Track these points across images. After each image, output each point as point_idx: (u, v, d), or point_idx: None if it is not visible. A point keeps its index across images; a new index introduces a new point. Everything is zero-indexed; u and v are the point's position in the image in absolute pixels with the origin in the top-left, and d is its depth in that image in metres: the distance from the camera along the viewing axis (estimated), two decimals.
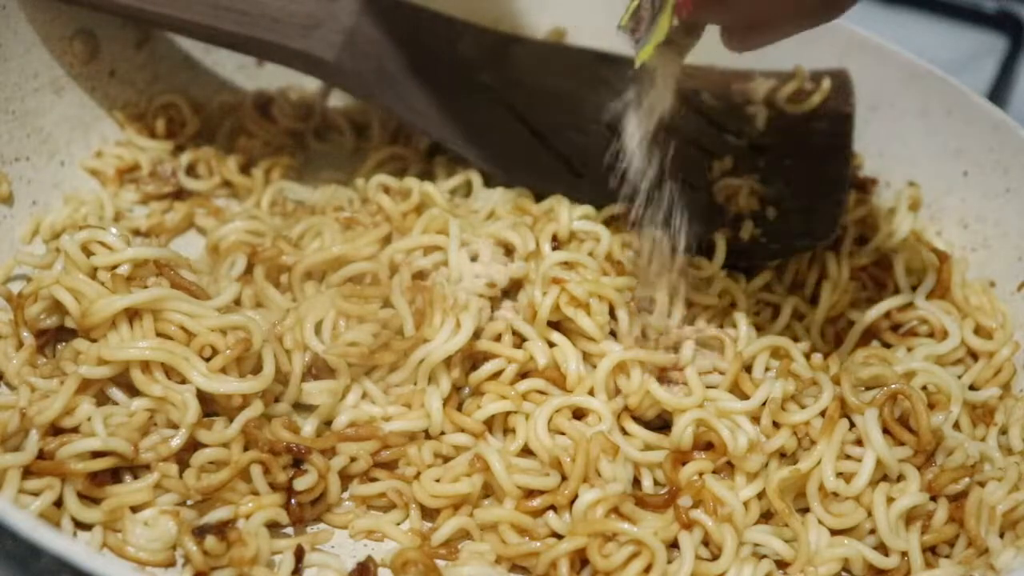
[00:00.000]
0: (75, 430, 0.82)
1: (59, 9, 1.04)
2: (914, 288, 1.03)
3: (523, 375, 0.92)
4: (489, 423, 0.90)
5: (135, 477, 0.83)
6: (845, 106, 1.13)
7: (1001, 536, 0.86)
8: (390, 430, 0.88)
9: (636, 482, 0.89)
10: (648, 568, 0.81)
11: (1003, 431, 0.94)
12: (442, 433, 0.90)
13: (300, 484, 0.84)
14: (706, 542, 0.84)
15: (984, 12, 1.58)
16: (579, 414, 0.90)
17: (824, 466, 0.86)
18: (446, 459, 0.89)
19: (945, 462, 0.88)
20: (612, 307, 0.93)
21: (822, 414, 0.88)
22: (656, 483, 0.89)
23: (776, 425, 0.89)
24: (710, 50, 0.86)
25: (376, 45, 1.06)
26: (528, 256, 0.95)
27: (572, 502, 0.84)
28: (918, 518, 0.86)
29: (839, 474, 0.86)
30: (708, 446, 0.89)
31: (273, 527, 0.83)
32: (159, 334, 0.85)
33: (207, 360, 0.85)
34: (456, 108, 1.08)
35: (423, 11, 1.13)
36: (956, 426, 0.92)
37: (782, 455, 0.89)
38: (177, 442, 0.83)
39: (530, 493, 0.86)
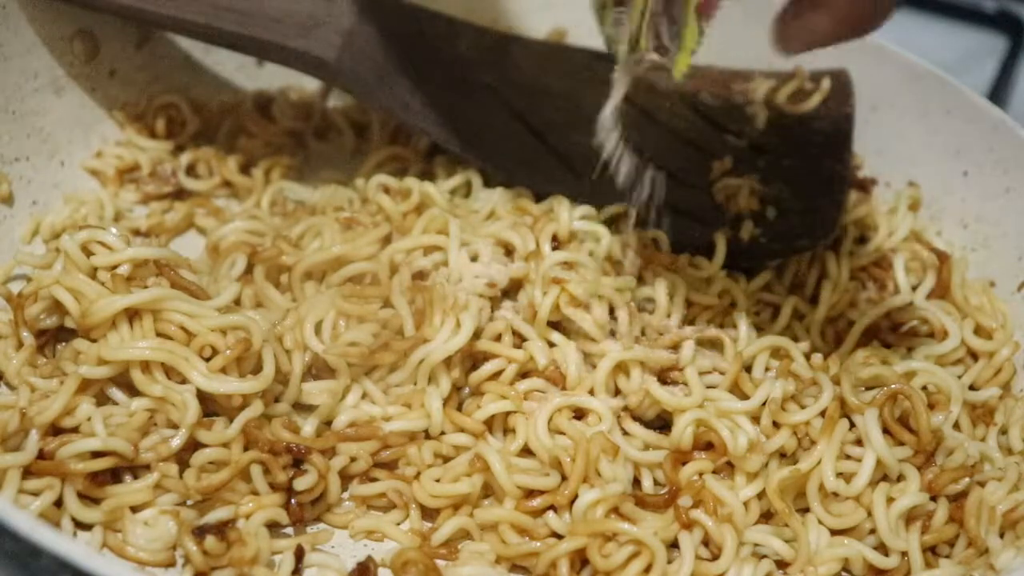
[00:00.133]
0: (75, 430, 0.82)
1: (59, 9, 1.04)
2: (914, 288, 1.03)
3: (523, 375, 0.92)
4: (489, 423, 0.90)
5: (135, 477, 0.83)
6: (845, 106, 1.13)
7: (1001, 536, 0.86)
8: (390, 430, 0.88)
9: (636, 482, 0.89)
10: (648, 568, 0.81)
11: (1003, 431, 0.94)
12: (442, 433, 0.90)
13: (300, 484, 0.83)
14: (706, 542, 0.84)
15: (984, 12, 1.58)
16: (579, 414, 0.90)
17: (824, 466, 0.86)
18: (446, 459, 0.89)
19: (945, 462, 0.89)
20: (612, 307, 0.93)
21: (822, 414, 0.88)
22: (656, 483, 0.89)
23: (776, 425, 0.89)
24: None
25: (376, 45, 1.06)
26: (528, 256, 0.95)
27: (572, 502, 0.84)
28: (918, 518, 0.86)
29: (839, 474, 0.86)
30: (708, 446, 0.89)
31: (273, 527, 0.83)
32: (159, 334, 0.85)
33: (207, 360, 0.85)
34: (456, 108, 1.08)
35: (423, 11, 1.13)
36: (956, 426, 0.92)
37: (782, 455, 0.89)
38: (177, 442, 0.83)
39: (530, 493, 0.86)
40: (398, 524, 0.87)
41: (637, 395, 0.90)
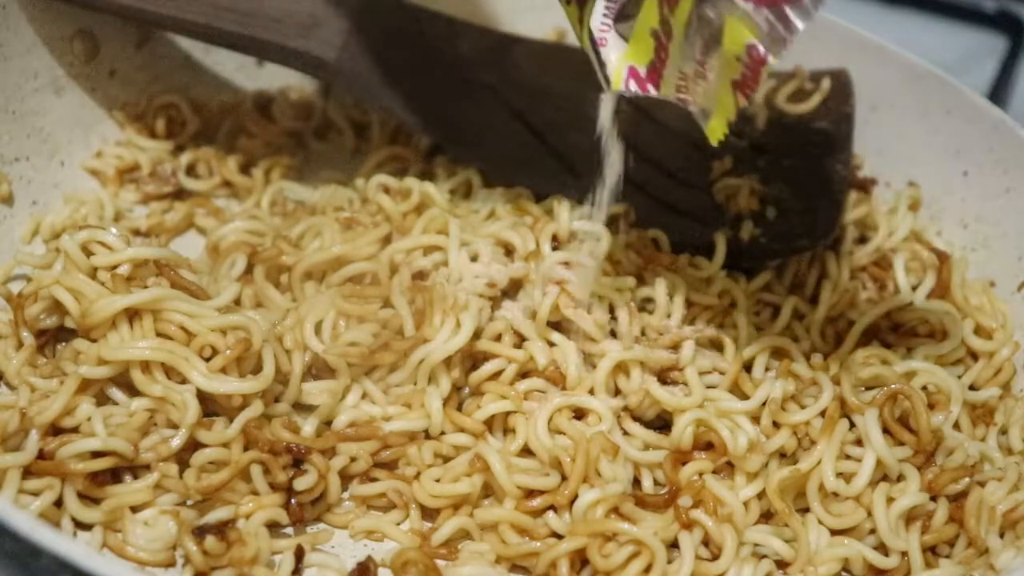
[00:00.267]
0: (75, 430, 0.82)
1: (59, 9, 1.04)
2: (914, 288, 1.03)
3: (523, 375, 0.92)
4: (489, 423, 0.90)
5: (135, 477, 0.83)
6: (845, 106, 1.13)
7: (1001, 536, 0.86)
8: (390, 430, 0.88)
9: (636, 482, 0.89)
10: (648, 568, 0.81)
11: (1003, 431, 0.94)
12: (442, 433, 0.90)
13: (300, 484, 0.83)
14: (706, 542, 0.84)
15: (984, 12, 1.58)
16: (579, 414, 0.90)
17: (824, 466, 0.86)
18: (446, 459, 0.89)
19: (945, 462, 0.89)
20: (612, 307, 0.93)
21: (822, 414, 0.88)
22: (656, 483, 0.89)
23: (776, 425, 0.89)
24: None
25: (376, 45, 1.06)
26: (528, 256, 0.95)
27: (572, 502, 0.84)
28: (918, 518, 0.86)
29: (839, 474, 0.86)
30: (708, 446, 0.89)
31: (273, 527, 0.83)
32: (159, 334, 0.85)
33: (207, 360, 0.85)
34: (456, 108, 1.08)
35: (423, 11, 1.13)
36: (956, 426, 0.92)
37: (782, 455, 0.89)
38: (177, 442, 0.83)
39: (530, 493, 0.86)
40: (398, 524, 0.87)
41: (637, 395, 0.90)
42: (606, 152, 0.92)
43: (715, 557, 0.84)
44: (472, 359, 0.92)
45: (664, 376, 0.92)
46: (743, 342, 0.95)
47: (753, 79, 0.74)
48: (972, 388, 0.97)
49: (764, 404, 0.89)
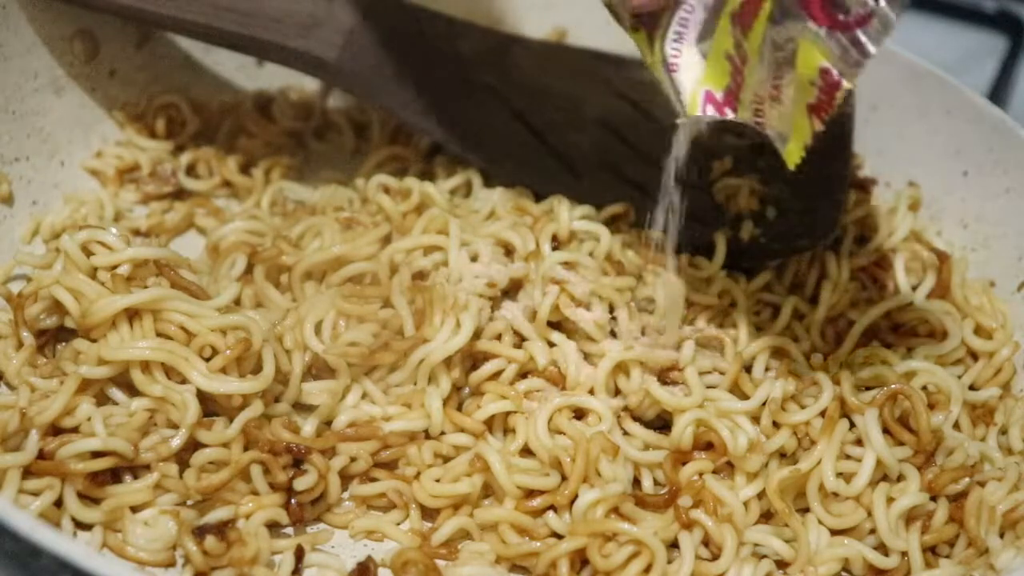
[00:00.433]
0: (75, 430, 0.82)
1: (59, 9, 1.04)
2: (914, 288, 1.03)
3: (523, 375, 0.92)
4: (489, 423, 0.90)
5: (135, 477, 0.83)
6: (845, 106, 1.13)
7: (1001, 536, 0.86)
8: (390, 430, 0.88)
9: (636, 482, 0.89)
10: (648, 568, 0.81)
11: (1003, 431, 0.94)
12: (442, 433, 0.90)
13: (300, 484, 0.84)
14: (706, 542, 0.84)
15: (984, 12, 1.57)
16: (579, 414, 0.90)
17: (824, 466, 0.86)
18: (446, 459, 0.89)
19: (945, 462, 0.89)
20: (612, 307, 0.93)
21: (822, 414, 0.88)
22: (656, 483, 0.89)
23: (776, 425, 0.89)
24: None
25: (376, 45, 1.06)
26: (528, 256, 0.95)
27: (572, 502, 0.84)
28: (918, 518, 0.86)
29: (839, 474, 0.86)
30: (708, 446, 0.88)
31: (273, 527, 0.83)
32: (159, 334, 0.85)
33: (207, 360, 0.85)
34: (456, 108, 1.08)
35: (423, 11, 1.13)
36: (956, 426, 0.92)
37: (782, 455, 0.89)
38: (177, 442, 0.83)
39: (530, 493, 0.86)
40: (398, 524, 0.87)
41: (637, 395, 0.90)
42: (673, 181, 0.91)
43: (715, 557, 0.84)
44: (472, 359, 0.92)
45: (664, 376, 0.92)
46: (743, 342, 0.95)
47: (828, 103, 0.73)
48: (972, 388, 0.97)
49: (764, 404, 0.89)
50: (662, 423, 0.92)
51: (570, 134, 1.11)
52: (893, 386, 0.88)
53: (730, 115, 0.83)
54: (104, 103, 1.11)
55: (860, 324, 0.99)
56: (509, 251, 0.97)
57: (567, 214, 0.98)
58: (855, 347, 0.98)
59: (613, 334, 0.93)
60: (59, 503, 0.80)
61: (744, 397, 0.90)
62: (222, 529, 0.79)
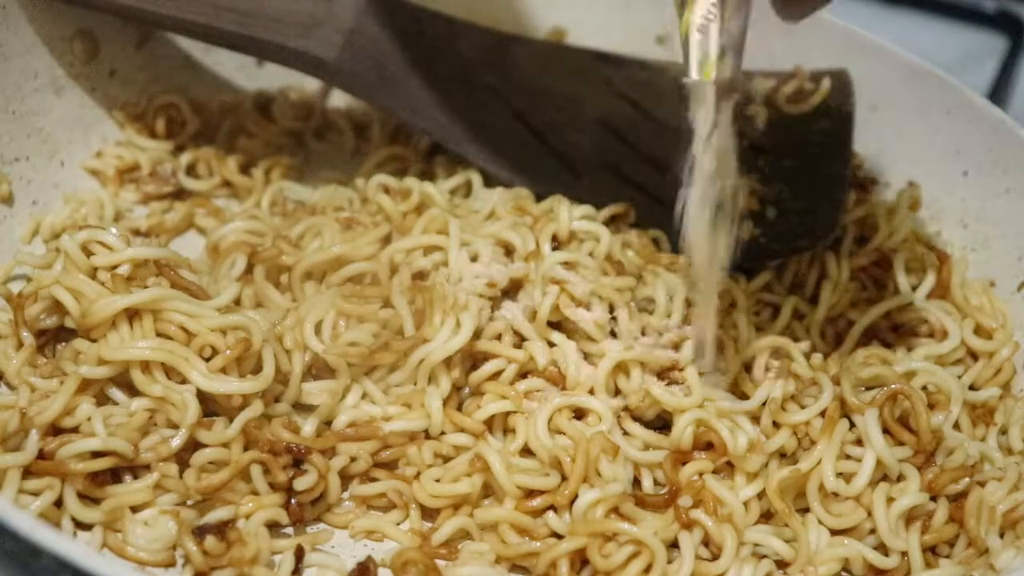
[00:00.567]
0: (75, 430, 0.82)
1: (59, 9, 1.04)
2: (914, 288, 1.03)
3: (523, 375, 0.92)
4: (489, 423, 0.90)
5: (135, 477, 0.83)
6: (845, 106, 1.13)
7: (1001, 536, 0.86)
8: (390, 430, 0.88)
9: (636, 482, 0.89)
10: (648, 568, 0.81)
11: (1003, 431, 0.94)
12: (442, 433, 0.89)
13: (300, 484, 0.83)
14: (706, 542, 0.84)
15: (984, 12, 1.57)
16: (579, 414, 0.90)
17: (824, 466, 0.86)
18: (446, 459, 0.89)
19: (945, 462, 0.89)
20: (612, 307, 0.93)
21: (822, 414, 0.88)
22: (656, 483, 0.89)
23: (776, 425, 0.89)
24: None
25: (376, 45, 1.06)
26: (528, 256, 0.95)
27: (572, 502, 0.84)
28: (918, 518, 0.86)
29: (839, 474, 0.86)
30: (708, 446, 0.88)
31: (273, 527, 0.83)
32: (159, 334, 0.85)
33: (207, 360, 0.85)
34: (456, 108, 1.08)
35: (423, 11, 1.13)
36: (956, 426, 0.92)
37: (782, 455, 0.89)
38: (177, 442, 0.83)
39: (530, 493, 0.86)
40: (398, 524, 0.87)
41: (637, 395, 0.90)
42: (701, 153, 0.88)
43: (715, 557, 0.84)
44: (472, 359, 0.92)
45: (664, 376, 0.92)
46: (743, 342, 0.95)
47: None
48: (972, 388, 0.97)
49: (764, 404, 0.89)
50: (662, 423, 0.92)
51: (570, 134, 1.11)
52: (893, 386, 0.88)
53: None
54: (104, 103, 1.11)
55: (860, 324, 0.99)
56: (509, 251, 0.97)
57: (567, 214, 0.98)
58: (855, 347, 0.98)
59: (613, 334, 0.93)
60: (59, 503, 0.80)
61: (744, 397, 0.90)
62: (222, 529, 0.79)
